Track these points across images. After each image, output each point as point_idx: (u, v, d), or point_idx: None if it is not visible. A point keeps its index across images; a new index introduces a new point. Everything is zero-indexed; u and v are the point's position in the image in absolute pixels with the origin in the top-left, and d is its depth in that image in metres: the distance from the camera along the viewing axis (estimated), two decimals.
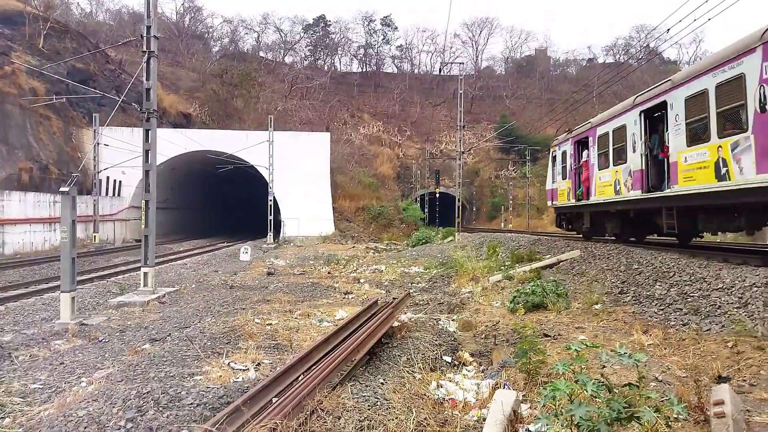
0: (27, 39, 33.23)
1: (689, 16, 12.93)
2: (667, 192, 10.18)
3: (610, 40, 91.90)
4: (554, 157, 17.47)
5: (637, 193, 11.40)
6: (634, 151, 11.59)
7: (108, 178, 31.91)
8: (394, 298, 9.70)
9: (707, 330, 6.35)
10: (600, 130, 13.52)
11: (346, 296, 12.42)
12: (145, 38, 12.42)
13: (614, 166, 12.62)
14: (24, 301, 11.84)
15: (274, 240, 32.34)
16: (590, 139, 14.23)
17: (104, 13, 69.42)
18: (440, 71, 51.58)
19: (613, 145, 12.71)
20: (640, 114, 11.33)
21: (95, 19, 65.40)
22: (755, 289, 6.88)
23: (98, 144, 29.74)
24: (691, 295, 7.55)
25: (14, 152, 27.51)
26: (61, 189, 9.39)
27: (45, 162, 29.25)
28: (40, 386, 5.79)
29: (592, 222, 14.92)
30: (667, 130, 10.29)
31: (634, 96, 12.09)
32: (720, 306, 6.86)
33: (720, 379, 4.84)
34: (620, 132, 12.27)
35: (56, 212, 25.54)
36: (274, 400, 4.56)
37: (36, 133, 29.30)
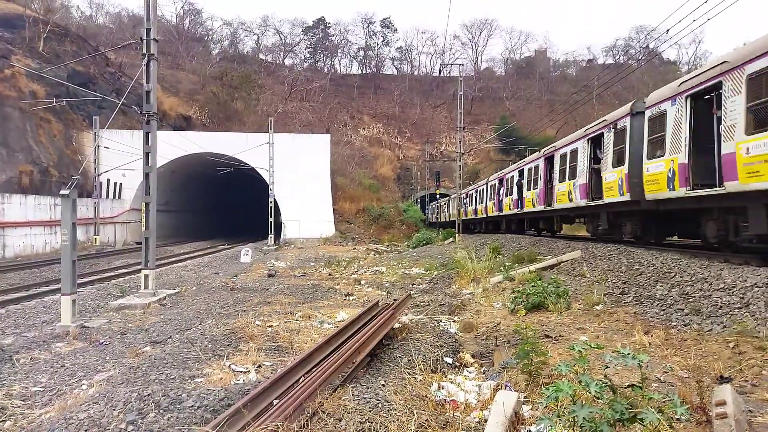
0: (27, 42, 33.32)
1: (689, 17, 12.93)
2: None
3: (610, 40, 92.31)
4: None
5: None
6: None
7: (108, 180, 31.95)
8: (395, 300, 9.67)
9: (709, 330, 6.33)
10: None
11: (347, 298, 12.39)
12: (144, 41, 12.42)
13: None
14: (25, 304, 11.84)
15: (274, 242, 32.36)
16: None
17: (104, 16, 69.78)
18: (440, 73, 51.62)
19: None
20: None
21: (95, 22, 65.61)
22: (756, 289, 6.86)
23: (98, 147, 29.81)
24: (693, 295, 7.54)
25: (14, 155, 27.54)
26: (62, 192, 9.38)
27: (45, 165, 29.29)
28: (41, 389, 5.78)
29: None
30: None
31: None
32: (721, 306, 6.84)
33: (722, 380, 4.82)
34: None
35: (57, 215, 25.55)
36: (275, 402, 4.55)
37: (36, 136, 29.33)
